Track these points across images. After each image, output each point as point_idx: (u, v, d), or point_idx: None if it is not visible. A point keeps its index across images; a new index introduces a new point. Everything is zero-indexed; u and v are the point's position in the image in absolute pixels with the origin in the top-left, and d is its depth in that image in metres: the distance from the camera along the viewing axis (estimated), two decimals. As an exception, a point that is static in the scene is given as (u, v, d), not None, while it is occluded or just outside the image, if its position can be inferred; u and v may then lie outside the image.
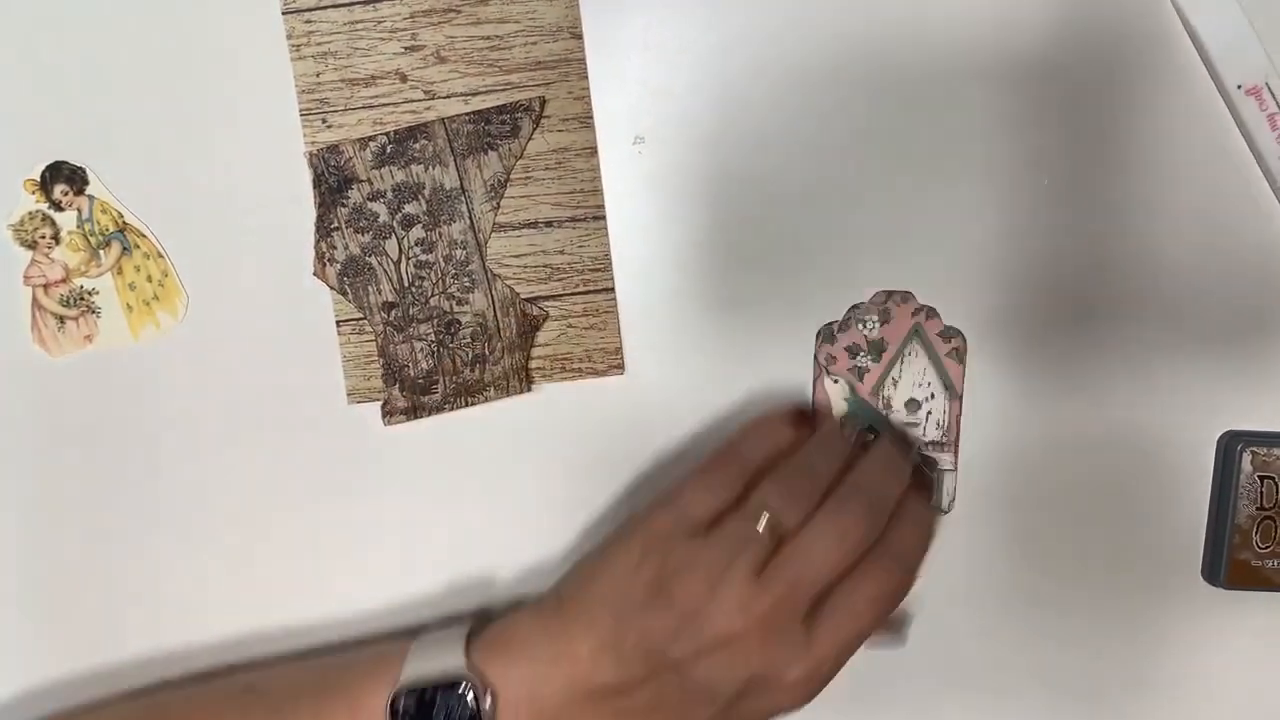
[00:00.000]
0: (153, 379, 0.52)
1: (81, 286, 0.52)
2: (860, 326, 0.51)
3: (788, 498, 0.45)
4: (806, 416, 0.51)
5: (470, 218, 0.51)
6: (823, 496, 0.46)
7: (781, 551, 0.44)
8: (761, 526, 0.44)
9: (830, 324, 0.51)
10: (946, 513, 0.52)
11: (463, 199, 0.51)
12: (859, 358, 0.51)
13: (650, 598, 0.44)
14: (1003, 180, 0.51)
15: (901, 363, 0.51)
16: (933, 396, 0.51)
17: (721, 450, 0.48)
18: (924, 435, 0.51)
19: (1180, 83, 0.50)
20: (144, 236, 0.52)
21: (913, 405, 0.52)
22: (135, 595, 0.54)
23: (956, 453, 0.52)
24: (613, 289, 0.52)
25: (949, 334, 0.51)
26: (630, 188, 0.51)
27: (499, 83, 0.51)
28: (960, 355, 0.51)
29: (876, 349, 0.51)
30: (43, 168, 0.51)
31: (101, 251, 0.52)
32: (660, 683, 0.44)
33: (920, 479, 0.50)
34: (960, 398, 0.52)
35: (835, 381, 0.51)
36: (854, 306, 0.51)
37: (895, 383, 0.51)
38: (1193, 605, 0.53)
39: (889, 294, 0.51)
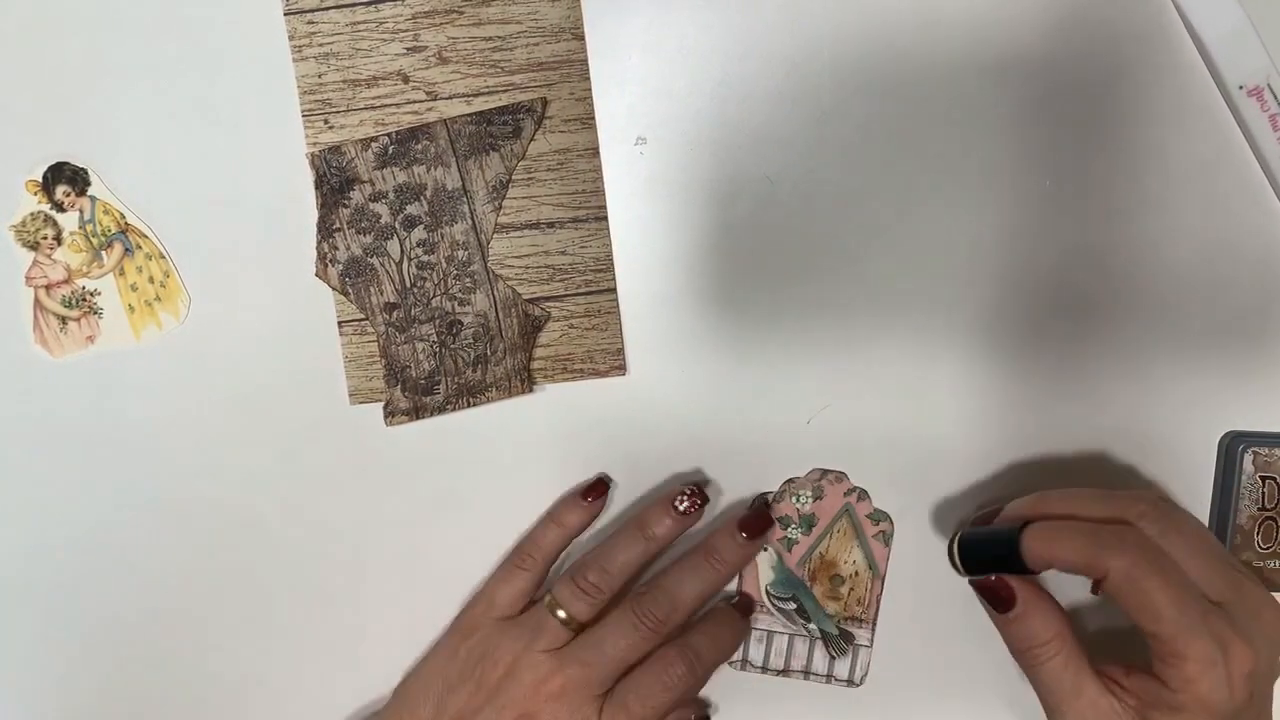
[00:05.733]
0: (154, 379, 0.52)
1: (83, 287, 0.52)
2: (794, 500, 0.52)
3: (578, 595, 0.50)
4: (604, 487, 0.52)
5: (472, 218, 0.51)
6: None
7: (578, 638, 0.49)
8: (560, 617, 0.50)
9: (765, 494, 0.53)
10: (858, 685, 0.53)
11: (465, 200, 0.51)
12: (790, 529, 0.53)
13: (462, 680, 0.50)
14: (1004, 181, 0.51)
15: (830, 539, 0.53)
16: (856, 574, 0.53)
17: (522, 541, 0.52)
18: (844, 609, 0.53)
19: (1181, 83, 0.50)
20: (146, 237, 0.52)
21: (837, 580, 0.53)
22: (135, 595, 0.54)
23: (874, 630, 0.53)
24: (614, 290, 0.52)
25: (878, 517, 0.52)
26: (632, 188, 0.51)
27: (501, 83, 0.51)
28: (886, 538, 0.53)
29: (807, 523, 0.53)
30: (45, 169, 0.51)
31: (103, 252, 0.52)
32: None
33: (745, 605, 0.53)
34: (883, 578, 0.53)
35: (764, 549, 0.53)
36: (789, 480, 0.52)
37: (822, 557, 0.53)
38: (1194, 605, 0.53)
39: (824, 472, 0.52)
